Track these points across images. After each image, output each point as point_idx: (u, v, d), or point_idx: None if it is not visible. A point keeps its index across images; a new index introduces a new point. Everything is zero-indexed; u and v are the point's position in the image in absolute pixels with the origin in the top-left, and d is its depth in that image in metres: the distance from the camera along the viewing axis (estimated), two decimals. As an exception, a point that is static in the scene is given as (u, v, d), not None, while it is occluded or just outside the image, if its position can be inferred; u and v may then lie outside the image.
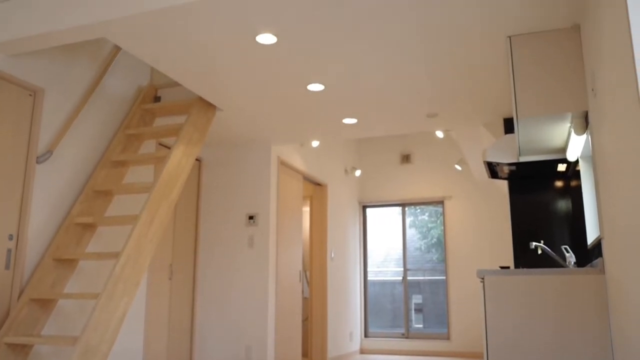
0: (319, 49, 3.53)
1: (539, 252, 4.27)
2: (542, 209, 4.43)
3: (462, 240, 8.05)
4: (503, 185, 6.94)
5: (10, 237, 3.50)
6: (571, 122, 3.23)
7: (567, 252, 3.74)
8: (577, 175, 3.87)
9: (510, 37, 3.27)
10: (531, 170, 4.25)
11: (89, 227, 4.06)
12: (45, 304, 3.66)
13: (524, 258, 4.42)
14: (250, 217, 5.67)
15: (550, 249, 4.28)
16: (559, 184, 4.43)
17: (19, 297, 3.52)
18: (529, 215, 4.46)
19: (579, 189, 3.82)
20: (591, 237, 3.33)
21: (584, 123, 3.16)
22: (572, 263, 3.68)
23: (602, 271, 2.92)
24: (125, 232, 4.47)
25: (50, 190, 3.83)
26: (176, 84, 4.83)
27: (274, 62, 3.74)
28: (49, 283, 3.70)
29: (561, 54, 3.16)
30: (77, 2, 3.22)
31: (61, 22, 3.24)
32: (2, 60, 3.53)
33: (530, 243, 3.84)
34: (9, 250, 3.49)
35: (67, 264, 3.85)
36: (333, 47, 3.51)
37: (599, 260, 2.97)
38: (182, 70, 3.85)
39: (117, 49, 4.48)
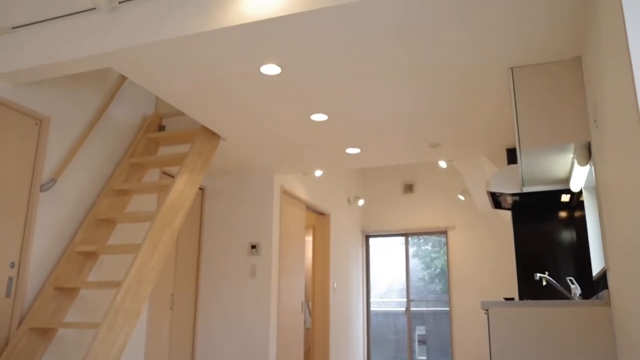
0: (323, 79, 3.56)
1: (544, 283, 4.23)
2: (547, 239, 4.41)
3: (465, 270, 7.99)
4: (507, 215, 6.91)
5: (12, 265, 3.49)
6: (574, 153, 3.23)
7: (572, 283, 3.70)
8: (581, 205, 3.86)
9: (512, 69, 3.30)
10: (535, 200, 4.24)
11: (91, 256, 4.04)
12: (45, 333, 3.62)
13: (529, 289, 4.37)
14: (253, 247, 5.65)
15: (555, 280, 4.23)
16: (563, 214, 4.41)
17: (18, 325, 3.49)
18: (533, 246, 4.43)
19: (583, 219, 3.80)
20: (596, 268, 3.30)
21: (586, 154, 3.16)
22: (578, 295, 3.64)
23: (608, 303, 2.89)
24: (127, 260, 4.45)
25: (53, 218, 3.83)
26: (180, 113, 4.87)
27: (278, 92, 3.78)
28: (50, 312, 3.67)
29: (563, 85, 3.18)
30: (83, 33, 3.27)
31: (67, 53, 3.29)
32: (9, 89, 3.57)
33: (535, 274, 3.80)
34: (10, 279, 3.47)
35: (68, 292, 3.82)
36: (337, 78, 3.54)
37: (604, 292, 2.93)
38: (187, 99, 3.89)
39: (122, 78, 4.53)
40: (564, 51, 3.15)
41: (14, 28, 3.50)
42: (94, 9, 3.28)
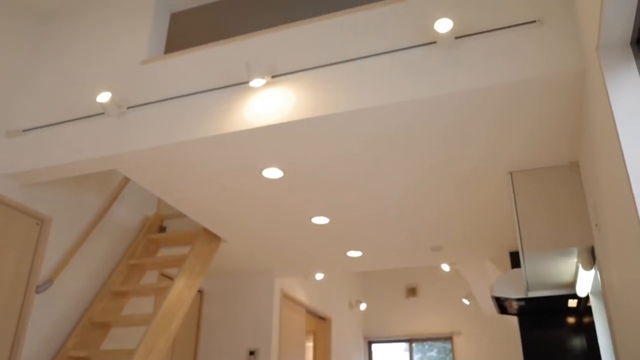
0: (325, 183, 3.60)
1: (556, 394, 4.03)
2: (556, 346, 4.24)
3: (473, 380, 7.63)
4: (514, 320, 6.72)
5: (-1, 372, 3.34)
6: (578, 257, 3.19)
7: (586, 395, 3.52)
8: (589, 311, 3.75)
9: (511, 173, 3.34)
10: (541, 305, 4.13)
11: (82, 362, 3.88)
12: None
13: (540, 401, 4.15)
14: (251, 353, 5.44)
15: (568, 392, 4.03)
16: (571, 320, 4.28)
17: None
18: (542, 353, 4.25)
19: (592, 325, 3.68)
20: (610, 378, 3.15)
21: (591, 258, 3.12)
22: (592, 408, 3.45)
23: (625, 418, 2.72)
24: (120, 367, 4.27)
25: (47, 321, 3.72)
26: (182, 215, 4.88)
27: (280, 195, 3.81)
28: (34, 423, 3.47)
29: (563, 189, 3.20)
30: (91, 136, 3.36)
31: (75, 155, 3.35)
32: (14, 189, 3.60)
33: (546, 385, 3.63)
34: (-4, 386, 3.31)
35: (55, 401, 3.63)
36: (339, 182, 3.58)
37: (620, 405, 2.77)
38: (188, 202, 3.91)
39: (126, 179, 4.59)
40: (561, 156, 3.20)
41: (24, 131, 3.60)
42: (103, 113, 3.39)
